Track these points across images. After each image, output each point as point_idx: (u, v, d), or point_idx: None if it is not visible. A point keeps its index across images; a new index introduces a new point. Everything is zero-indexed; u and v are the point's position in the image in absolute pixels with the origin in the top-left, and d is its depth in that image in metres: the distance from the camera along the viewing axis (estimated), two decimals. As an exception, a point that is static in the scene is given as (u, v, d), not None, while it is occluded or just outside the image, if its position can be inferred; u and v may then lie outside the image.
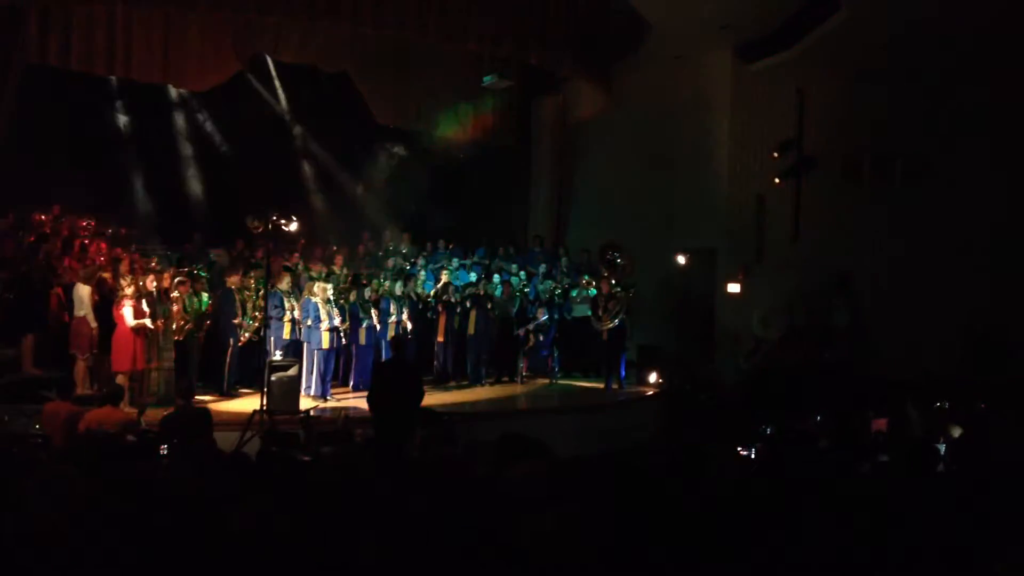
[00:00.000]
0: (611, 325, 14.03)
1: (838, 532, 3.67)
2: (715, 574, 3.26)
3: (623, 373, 14.27)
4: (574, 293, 15.20)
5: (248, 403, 11.06)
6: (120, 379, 10.38)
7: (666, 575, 3.15)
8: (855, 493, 4.50)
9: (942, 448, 6.22)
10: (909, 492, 4.55)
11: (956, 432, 6.93)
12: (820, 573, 3.37)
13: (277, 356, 11.51)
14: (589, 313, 14.95)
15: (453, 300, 14.02)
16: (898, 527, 3.79)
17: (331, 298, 12.28)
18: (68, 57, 12.73)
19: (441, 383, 13.93)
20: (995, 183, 15.56)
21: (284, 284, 12.14)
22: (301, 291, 12.57)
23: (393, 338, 12.61)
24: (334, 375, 12.69)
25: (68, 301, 11.14)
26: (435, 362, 14.20)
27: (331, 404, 11.88)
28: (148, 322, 10.71)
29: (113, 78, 14.23)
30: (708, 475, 4.58)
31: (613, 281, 14.47)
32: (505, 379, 14.56)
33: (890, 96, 16.01)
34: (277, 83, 16.61)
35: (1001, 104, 15.52)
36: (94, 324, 10.87)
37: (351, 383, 13.03)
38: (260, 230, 10.46)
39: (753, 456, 6.37)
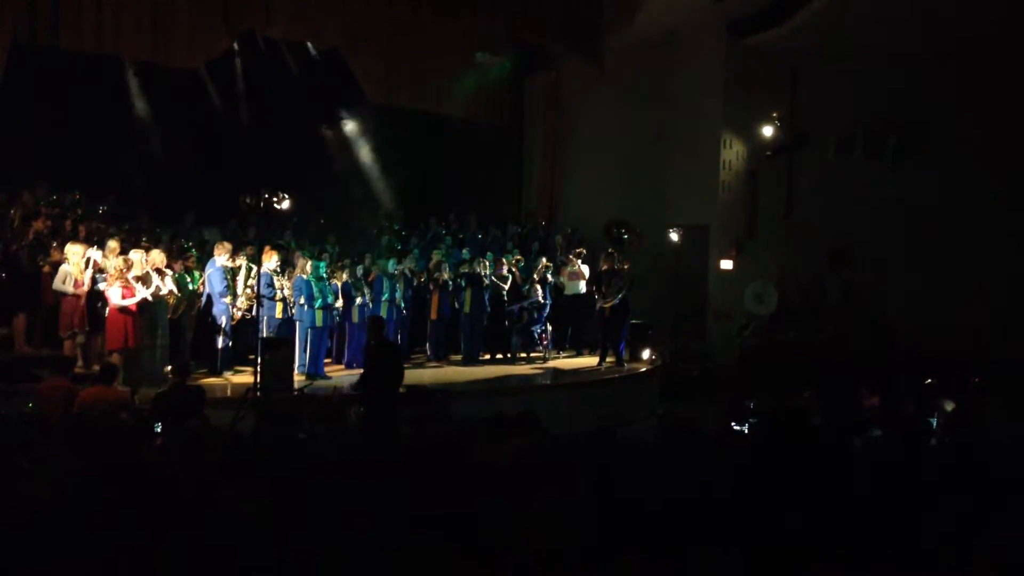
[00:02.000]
0: (614, 302, 14.00)
1: (833, 506, 3.69)
2: (709, 549, 3.27)
3: (622, 350, 14.25)
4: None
5: (241, 381, 11.07)
6: (114, 358, 10.35)
7: (659, 550, 3.16)
8: (849, 467, 4.53)
9: (934, 422, 6.26)
10: (902, 465, 4.58)
11: (949, 406, 6.98)
12: (815, 546, 3.38)
13: (270, 334, 11.48)
14: (581, 291, 14.96)
15: (446, 277, 13.99)
16: (892, 499, 3.82)
17: (324, 276, 12.25)
18: (57, 36, 12.62)
19: (434, 361, 13.95)
20: (987, 158, 15.66)
21: (272, 263, 12.06)
22: (294, 269, 12.54)
23: (373, 319, 12.47)
24: (327, 353, 12.69)
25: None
26: (428, 340, 14.21)
27: (324, 382, 11.87)
28: (145, 293, 10.61)
29: (103, 55, 14.09)
30: (702, 451, 4.60)
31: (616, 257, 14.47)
32: (499, 356, 14.59)
33: (883, 72, 16.03)
34: (267, 58, 16.47)
35: (993, 80, 15.59)
36: (71, 289, 10.72)
37: (344, 361, 13.04)
38: (252, 208, 10.40)
39: (746, 431, 6.41)
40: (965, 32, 14.80)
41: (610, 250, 14.83)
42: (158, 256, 11.27)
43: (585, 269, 15.01)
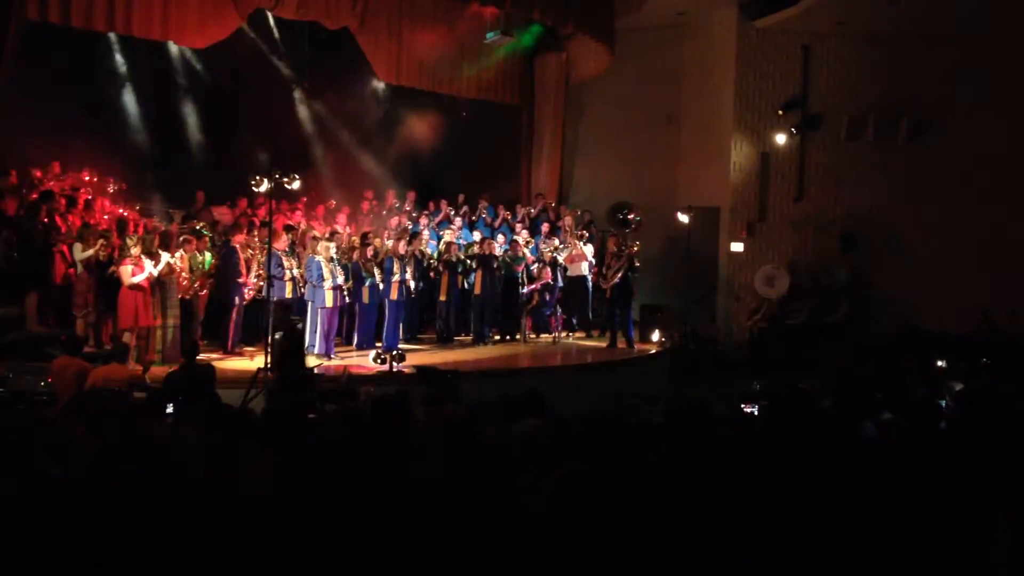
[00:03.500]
0: (614, 282, 14.03)
1: (841, 491, 3.69)
2: (718, 532, 3.28)
3: (631, 332, 14.24)
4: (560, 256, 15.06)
5: (252, 361, 11.13)
6: (127, 336, 10.41)
7: (667, 533, 3.17)
8: (858, 451, 4.53)
9: (944, 405, 6.25)
10: (912, 449, 4.57)
11: (957, 387, 6.96)
12: (823, 531, 3.39)
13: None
14: (583, 273, 14.93)
15: (456, 259, 13.99)
16: (901, 483, 3.82)
17: (334, 257, 12.27)
18: (68, 14, 12.59)
19: (444, 342, 13.98)
20: (998, 141, 15.59)
21: (281, 243, 12.09)
22: (304, 249, 12.58)
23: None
24: (337, 333, 12.72)
25: (72, 259, 11.17)
26: (438, 321, 14.24)
27: (335, 362, 11.91)
28: (153, 271, 10.66)
29: (113, 34, 14.06)
30: (711, 433, 4.60)
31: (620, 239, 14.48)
32: (508, 338, 14.60)
33: (895, 55, 15.97)
34: (278, 38, 16.41)
35: (1003, 62, 15.52)
36: (74, 259, 10.83)
37: (354, 341, 13.07)
38: (263, 189, 10.43)
39: (756, 414, 6.41)
40: (977, 12, 14.69)
41: (614, 232, 14.86)
42: (168, 236, 11.34)
43: (587, 250, 14.96)
